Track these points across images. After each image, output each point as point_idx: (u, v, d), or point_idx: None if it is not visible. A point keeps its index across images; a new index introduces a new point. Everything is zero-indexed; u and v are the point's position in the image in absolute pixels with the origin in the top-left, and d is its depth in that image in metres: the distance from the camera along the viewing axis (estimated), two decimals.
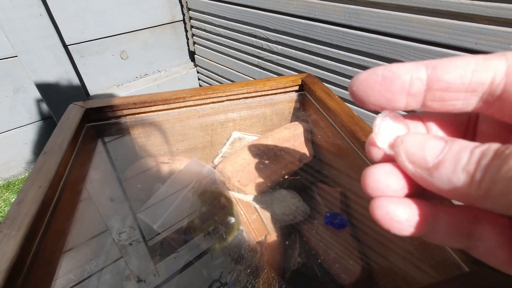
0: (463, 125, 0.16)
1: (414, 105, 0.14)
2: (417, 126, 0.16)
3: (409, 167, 0.13)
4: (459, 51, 0.64)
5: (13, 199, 1.15)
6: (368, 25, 0.77)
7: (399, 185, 0.14)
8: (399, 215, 0.14)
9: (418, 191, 0.15)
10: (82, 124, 0.58)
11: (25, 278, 0.33)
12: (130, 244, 0.59)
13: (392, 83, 0.14)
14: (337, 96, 0.63)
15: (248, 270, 0.54)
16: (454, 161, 0.12)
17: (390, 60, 0.77)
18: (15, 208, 0.38)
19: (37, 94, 1.19)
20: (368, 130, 0.51)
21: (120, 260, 0.57)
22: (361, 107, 0.16)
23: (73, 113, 0.58)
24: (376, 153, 0.16)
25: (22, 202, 0.38)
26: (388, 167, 0.15)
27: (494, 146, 0.11)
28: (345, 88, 0.93)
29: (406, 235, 0.14)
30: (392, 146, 0.15)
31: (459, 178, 0.12)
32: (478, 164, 0.11)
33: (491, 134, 0.15)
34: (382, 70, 0.14)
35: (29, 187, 0.41)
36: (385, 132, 0.15)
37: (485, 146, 0.12)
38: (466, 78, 0.13)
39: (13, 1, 0.95)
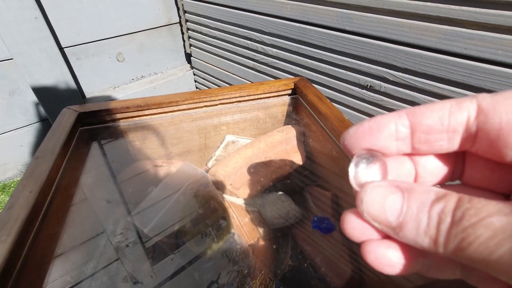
0: (450, 163, 0.16)
1: (405, 148, 0.15)
2: (402, 161, 0.16)
3: (376, 225, 0.14)
4: (449, 55, 0.65)
5: None
6: (360, 29, 0.78)
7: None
8: (390, 258, 0.14)
9: None
10: (75, 128, 0.58)
11: (15, 283, 0.34)
12: (127, 245, 0.60)
13: (380, 132, 0.15)
14: (328, 101, 0.63)
15: (246, 271, 0.54)
16: (415, 223, 0.12)
17: (382, 64, 0.78)
18: (6, 212, 0.38)
19: (33, 97, 1.19)
20: None
21: (116, 262, 0.57)
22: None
23: (66, 117, 0.59)
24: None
25: (13, 207, 0.39)
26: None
27: (450, 205, 0.12)
28: (338, 91, 0.94)
29: (401, 275, 0.14)
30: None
31: (424, 241, 0.12)
32: (438, 229, 0.12)
33: (478, 171, 0.15)
34: (368, 122, 0.15)
35: (20, 191, 0.41)
36: (358, 178, 0.15)
37: (441, 205, 0.12)
38: (445, 120, 0.13)
39: (8, 4, 0.96)
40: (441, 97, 0.70)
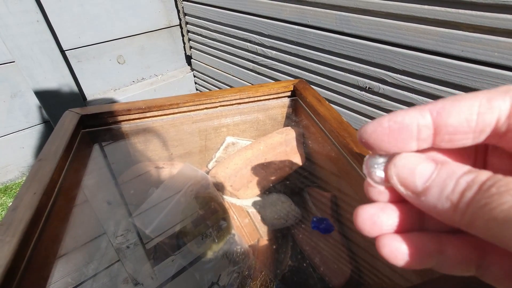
0: (470, 156, 0.16)
1: (426, 146, 0.15)
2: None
3: (401, 189, 0.14)
4: (446, 57, 0.66)
5: (10, 204, 1.15)
6: (359, 31, 0.79)
7: (393, 221, 0.15)
8: (404, 252, 0.14)
9: (417, 224, 0.15)
10: (77, 130, 0.59)
11: (19, 283, 0.34)
12: (128, 247, 0.60)
13: (401, 134, 0.14)
14: (327, 102, 0.64)
15: (246, 272, 0.55)
16: (440, 188, 0.13)
17: (381, 66, 0.78)
18: (10, 214, 0.39)
19: (34, 99, 1.20)
20: (356, 136, 0.53)
21: (117, 263, 0.58)
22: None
23: (68, 120, 0.59)
24: (374, 193, 0.16)
25: (17, 209, 0.39)
26: (379, 205, 0.15)
27: (482, 177, 0.12)
28: (337, 92, 0.94)
29: (415, 269, 0.15)
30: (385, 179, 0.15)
31: (443, 205, 0.13)
32: (462, 195, 0.12)
33: (501, 163, 0.15)
34: (388, 122, 0.14)
35: (24, 193, 0.42)
36: (375, 169, 0.16)
37: (472, 175, 0.12)
38: (472, 121, 0.13)
39: (10, 8, 0.96)
40: (439, 98, 0.71)
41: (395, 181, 0.14)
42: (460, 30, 0.62)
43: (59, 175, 0.48)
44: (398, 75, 0.76)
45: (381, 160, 0.15)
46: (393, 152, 0.15)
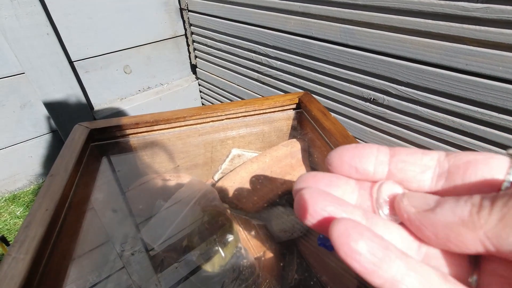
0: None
1: (382, 171, 0.16)
2: None
3: (412, 210, 0.14)
4: (451, 71, 0.66)
5: (18, 212, 1.17)
6: (363, 44, 0.79)
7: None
8: None
9: None
10: (87, 144, 0.60)
11: None
12: (132, 254, 0.61)
13: (363, 156, 0.16)
14: (332, 116, 0.65)
15: (250, 280, 0.55)
16: (455, 199, 0.13)
17: (385, 78, 0.79)
18: (23, 231, 0.40)
19: (43, 109, 1.22)
20: None
21: (122, 271, 0.58)
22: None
23: (78, 134, 0.61)
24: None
25: (30, 225, 0.40)
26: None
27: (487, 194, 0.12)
28: (341, 103, 0.95)
29: None
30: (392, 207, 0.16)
31: (464, 209, 0.12)
32: (482, 198, 0.12)
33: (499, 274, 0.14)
34: (353, 147, 0.17)
35: (36, 210, 0.43)
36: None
37: (479, 195, 0.13)
38: (419, 159, 0.15)
39: (21, 22, 0.99)
40: (444, 111, 0.71)
41: (404, 204, 0.15)
42: (464, 44, 0.62)
43: (70, 190, 0.49)
44: (403, 87, 0.77)
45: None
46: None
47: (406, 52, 0.71)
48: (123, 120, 0.65)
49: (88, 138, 0.61)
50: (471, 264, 0.14)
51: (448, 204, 0.13)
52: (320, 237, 0.49)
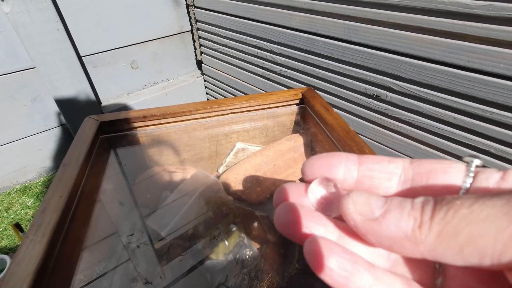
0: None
1: (350, 178, 0.17)
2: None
3: (358, 218, 0.14)
4: (452, 67, 0.67)
5: (29, 203, 1.21)
6: (367, 41, 0.80)
7: None
8: None
9: None
10: (97, 136, 0.63)
11: (49, 280, 0.37)
12: (138, 246, 0.63)
13: (333, 165, 0.17)
14: (334, 111, 0.66)
15: (254, 273, 0.57)
16: (399, 209, 0.13)
17: (388, 75, 0.80)
18: (39, 216, 0.42)
19: (52, 103, 1.25)
20: (362, 145, 0.55)
21: (128, 262, 0.61)
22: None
23: (88, 126, 0.63)
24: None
25: (45, 211, 0.43)
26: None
27: (431, 197, 0.13)
28: (344, 99, 0.96)
29: None
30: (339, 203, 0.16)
31: (408, 223, 0.12)
32: (423, 209, 0.12)
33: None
34: (325, 156, 0.18)
35: (51, 196, 0.45)
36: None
37: (422, 198, 0.13)
38: (385, 167, 0.16)
39: (33, 18, 1.02)
40: (445, 107, 0.72)
41: (351, 211, 0.14)
42: (466, 41, 0.63)
43: (81, 180, 0.52)
44: (405, 84, 0.77)
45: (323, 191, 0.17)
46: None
47: (409, 49, 0.72)
48: (131, 114, 0.68)
49: (98, 131, 0.63)
50: (437, 267, 0.15)
51: (392, 216, 0.13)
52: None
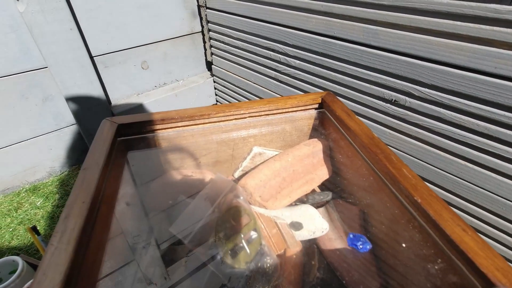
0: None
1: None
2: None
3: None
4: (479, 74, 0.65)
5: (38, 203, 1.20)
6: (386, 45, 0.79)
7: None
8: None
9: None
10: (114, 139, 0.62)
11: None
12: (143, 247, 0.62)
13: None
14: (356, 117, 0.65)
15: (274, 276, 0.56)
16: None
17: (409, 80, 0.79)
18: (63, 222, 0.41)
19: (63, 103, 1.25)
20: (389, 153, 0.53)
21: (132, 262, 0.60)
22: None
23: (106, 129, 0.62)
24: None
25: (69, 217, 0.42)
26: None
27: None
28: (361, 104, 0.95)
29: None
30: None
31: None
32: None
33: None
34: None
35: (73, 202, 0.44)
36: None
37: None
38: None
39: (47, 17, 1.01)
40: (468, 114, 0.71)
41: None
42: (494, 47, 0.61)
43: (102, 184, 0.51)
44: (426, 89, 0.76)
45: None
46: None
47: (432, 54, 0.71)
48: (149, 116, 0.67)
49: (116, 133, 0.62)
50: None
51: None
52: (350, 237, 0.49)
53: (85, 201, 0.44)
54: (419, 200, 0.43)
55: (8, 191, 1.26)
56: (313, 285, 0.58)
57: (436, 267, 0.41)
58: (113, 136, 0.60)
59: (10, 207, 1.16)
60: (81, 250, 0.40)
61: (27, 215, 1.14)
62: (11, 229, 1.07)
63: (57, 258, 0.36)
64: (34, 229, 0.71)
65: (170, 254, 0.64)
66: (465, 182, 0.78)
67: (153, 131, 0.68)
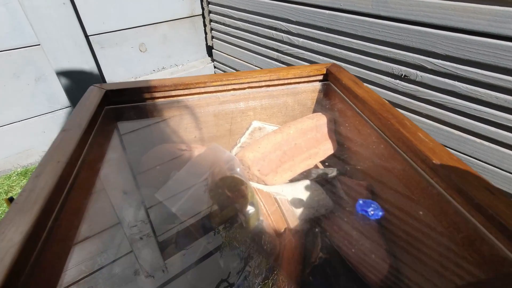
0: None
1: None
2: None
3: None
4: (500, 39, 0.60)
5: None
6: (397, 14, 0.73)
7: None
8: None
9: None
10: (102, 106, 0.57)
11: (39, 253, 0.31)
12: (141, 238, 0.58)
13: None
14: (364, 85, 0.60)
15: (257, 272, 0.51)
16: None
17: (420, 52, 0.73)
18: (33, 181, 0.36)
19: (57, 84, 1.20)
20: (402, 118, 0.48)
21: (130, 254, 0.55)
22: None
23: (93, 94, 0.57)
24: None
25: (40, 176, 0.37)
26: None
27: None
28: (369, 82, 0.89)
29: None
30: None
31: None
32: None
33: None
34: None
35: (47, 161, 0.39)
36: None
37: None
38: None
39: None
40: (486, 85, 0.65)
41: None
42: None
43: (83, 147, 0.46)
44: (440, 61, 0.70)
45: None
46: None
47: (448, 20, 0.65)
48: (140, 83, 0.61)
49: (103, 99, 0.57)
50: None
51: None
52: (360, 203, 0.43)
53: (61, 161, 0.39)
54: (439, 163, 0.38)
55: None
56: (316, 266, 0.53)
57: (460, 236, 0.36)
58: (99, 102, 0.55)
59: (0, 191, 1.12)
60: (52, 212, 0.35)
61: None
62: (0, 212, 1.03)
63: (20, 218, 0.31)
64: (11, 200, 0.66)
65: (184, 236, 0.59)
66: (480, 162, 0.73)
67: (145, 99, 0.63)
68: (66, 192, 0.39)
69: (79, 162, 0.44)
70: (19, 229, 0.31)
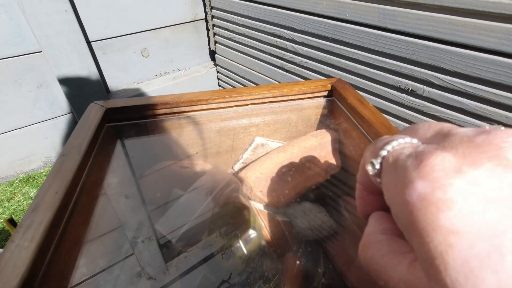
0: None
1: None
2: None
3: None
4: (510, 58, 0.58)
5: (32, 193, 1.16)
6: (405, 27, 0.72)
7: None
8: None
9: None
10: (102, 124, 0.56)
11: None
12: (143, 241, 0.57)
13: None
14: (371, 105, 0.58)
15: (273, 280, 0.50)
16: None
17: (428, 67, 0.71)
18: (30, 215, 0.35)
19: (59, 90, 1.19)
20: None
21: (131, 257, 0.55)
22: None
23: (93, 113, 0.56)
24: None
25: (37, 209, 0.36)
26: None
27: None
28: (373, 94, 0.87)
29: None
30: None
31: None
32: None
33: None
34: None
35: (45, 192, 0.38)
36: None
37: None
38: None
39: None
40: (497, 104, 0.63)
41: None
42: None
43: (82, 172, 0.45)
44: (448, 77, 0.69)
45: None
46: None
47: (457, 37, 0.63)
48: (141, 101, 0.60)
49: (103, 118, 0.56)
50: None
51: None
52: None
53: (58, 192, 0.39)
54: None
55: (1, 181, 1.22)
56: None
57: None
58: (99, 121, 0.54)
59: (2, 197, 1.12)
60: (49, 247, 0.34)
61: (19, 205, 1.10)
62: (2, 220, 1.03)
63: (16, 258, 0.31)
64: (11, 222, 0.66)
65: (177, 255, 0.58)
66: None
67: (146, 117, 0.62)
68: (65, 223, 0.38)
69: (78, 188, 0.43)
70: (15, 271, 0.30)
